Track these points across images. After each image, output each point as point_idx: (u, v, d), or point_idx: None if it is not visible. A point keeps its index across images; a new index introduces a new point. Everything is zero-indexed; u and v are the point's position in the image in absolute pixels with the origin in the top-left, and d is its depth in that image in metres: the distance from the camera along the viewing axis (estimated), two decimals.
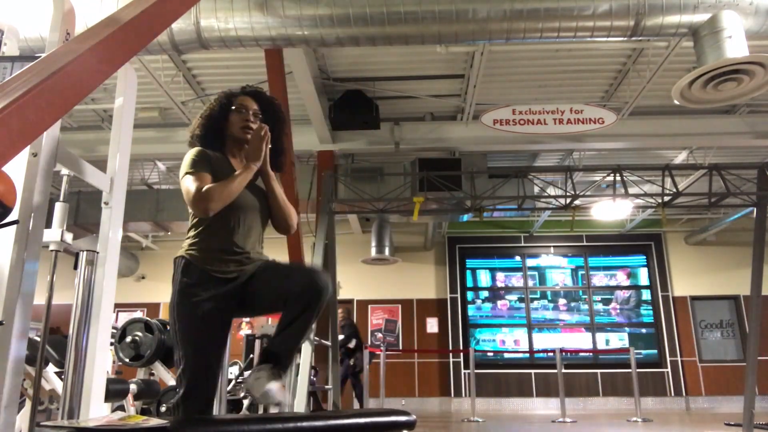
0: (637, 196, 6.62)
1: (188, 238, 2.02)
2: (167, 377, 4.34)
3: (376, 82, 6.57)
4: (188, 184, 1.91)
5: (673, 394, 10.00)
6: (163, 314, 10.29)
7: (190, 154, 2.01)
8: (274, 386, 1.79)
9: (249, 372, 1.88)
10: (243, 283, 1.97)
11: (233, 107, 2.11)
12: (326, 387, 6.32)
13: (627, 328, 10.60)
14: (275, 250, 2.92)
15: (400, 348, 10.29)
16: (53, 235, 2.13)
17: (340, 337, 7.65)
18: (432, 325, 10.61)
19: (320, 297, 1.85)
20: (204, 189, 1.87)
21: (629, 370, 8.36)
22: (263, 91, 2.21)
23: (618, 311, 10.73)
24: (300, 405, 4.84)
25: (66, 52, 1.22)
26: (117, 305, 2.76)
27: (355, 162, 8.03)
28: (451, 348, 10.20)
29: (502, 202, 7.01)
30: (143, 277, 11.01)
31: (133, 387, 3.83)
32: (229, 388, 4.63)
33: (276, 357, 1.87)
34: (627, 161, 7.77)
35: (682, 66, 6.02)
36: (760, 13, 4.02)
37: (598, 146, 7.41)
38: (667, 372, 10.13)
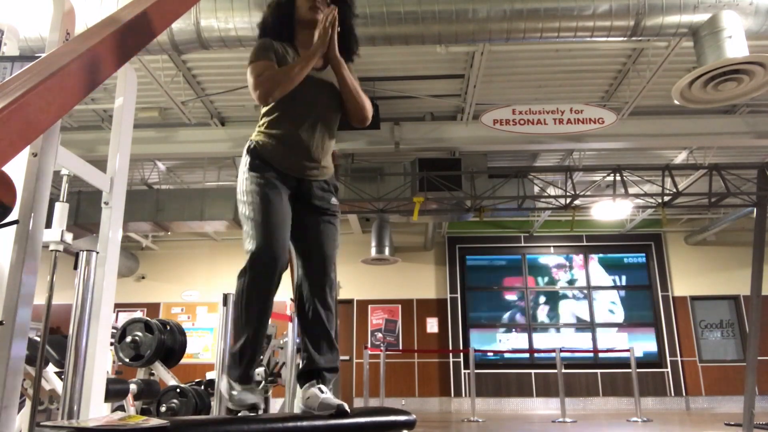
0: (637, 196, 6.63)
1: (258, 126, 2.03)
2: (167, 377, 4.34)
3: (376, 82, 6.56)
4: (250, 72, 1.90)
5: (673, 394, 10.00)
6: (164, 314, 10.29)
7: (256, 44, 1.99)
8: (324, 395, 1.83)
9: (299, 395, 1.94)
10: (301, 202, 1.99)
11: None
12: None
13: (627, 328, 10.60)
14: None
15: (400, 348, 10.29)
16: (53, 235, 2.13)
17: None
18: (432, 325, 10.61)
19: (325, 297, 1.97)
20: (263, 75, 1.85)
21: (629, 370, 8.37)
22: None
23: (618, 311, 10.74)
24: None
25: (66, 52, 1.22)
26: (117, 305, 2.77)
27: (355, 162, 8.02)
28: (451, 348, 10.20)
29: (502, 202, 7.02)
30: (143, 277, 10.99)
31: (133, 387, 3.83)
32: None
33: (314, 374, 1.92)
34: (627, 161, 7.77)
35: (682, 66, 6.02)
36: (760, 13, 4.02)
37: (598, 146, 7.40)
38: (667, 372, 10.13)
